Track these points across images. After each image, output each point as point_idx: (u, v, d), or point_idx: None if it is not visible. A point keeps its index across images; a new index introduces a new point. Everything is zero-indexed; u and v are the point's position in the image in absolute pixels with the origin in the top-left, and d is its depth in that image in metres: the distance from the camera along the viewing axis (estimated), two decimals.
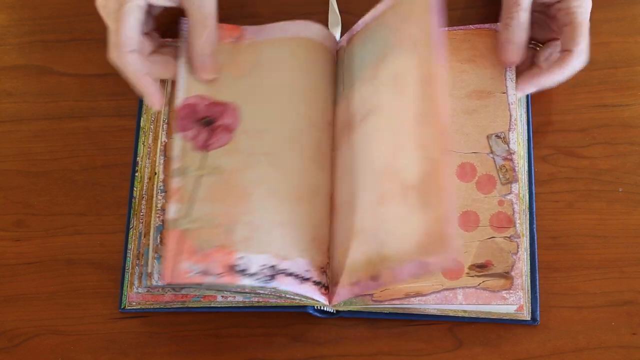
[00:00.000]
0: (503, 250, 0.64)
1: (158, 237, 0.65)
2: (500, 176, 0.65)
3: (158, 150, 0.68)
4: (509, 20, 0.66)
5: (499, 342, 0.65)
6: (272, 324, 0.67)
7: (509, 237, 0.64)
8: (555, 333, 0.65)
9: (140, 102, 0.72)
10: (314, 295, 0.63)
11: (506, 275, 0.63)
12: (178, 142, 0.66)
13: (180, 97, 0.67)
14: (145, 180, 0.69)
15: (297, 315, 0.66)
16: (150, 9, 0.67)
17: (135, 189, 0.69)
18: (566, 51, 0.65)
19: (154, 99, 0.66)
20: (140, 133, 0.71)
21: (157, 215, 0.66)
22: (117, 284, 0.68)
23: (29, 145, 0.73)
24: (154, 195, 0.67)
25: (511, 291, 0.62)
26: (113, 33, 0.64)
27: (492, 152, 0.66)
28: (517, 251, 0.63)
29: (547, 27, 0.68)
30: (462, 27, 0.70)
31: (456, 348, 0.65)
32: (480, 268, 0.63)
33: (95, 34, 0.76)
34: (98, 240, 0.70)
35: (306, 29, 0.69)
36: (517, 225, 0.64)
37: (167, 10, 0.69)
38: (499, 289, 0.62)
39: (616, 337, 0.64)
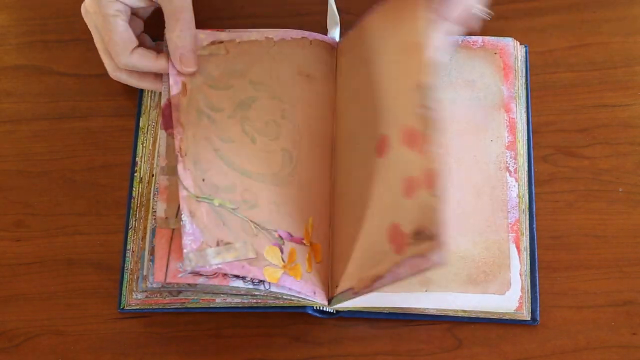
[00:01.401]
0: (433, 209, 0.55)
1: (153, 239, 0.65)
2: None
3: (156, 154, 0.68)
4: None
5: (499, 342, 0.65)
6: (272, 324, 0.67)
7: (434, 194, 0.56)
8: (555, 333, 0.65)
9: (139, 101, 0.72)
10: (307, 296, 0.63)
11: (431, 236, 0.54)
12: (163, 140, 0.66)
13: (165, 96, 0.68)
14: (145, 183, 0.69)
15: (297, 315, 0.66)
16: (136, 12, 0.69)
17: (134, 189, 0.69)
18: None
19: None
20: (140, 133, 0.71)
21: (153, 217, 0.66)
22: (117, 284, 0.68)
23: (29, 145, 0.73)
24: (151, 199, 0.67)
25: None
26: (111, 42, 0.66)
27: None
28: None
29: None
30: None
31: (456, 348, 0.65)
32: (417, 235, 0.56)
33: None
34: (98, 240, 0.70)
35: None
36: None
37: (156, 12, 0.69)
38: (425, 251, 0.54)
39: (616, 337, 0.64)
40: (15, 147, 0.73)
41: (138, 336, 0.67)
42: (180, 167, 0.64)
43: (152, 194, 0.67)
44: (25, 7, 0.78)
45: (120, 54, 0.66)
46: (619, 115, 0.70)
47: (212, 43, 0.69)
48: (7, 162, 0.73)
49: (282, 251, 0.64)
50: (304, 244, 0.65)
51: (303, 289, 0.63)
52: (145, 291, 0.65)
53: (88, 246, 0.70)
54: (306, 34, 0.70)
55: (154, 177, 0.68)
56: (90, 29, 0.69)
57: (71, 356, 0.67)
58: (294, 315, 0.66)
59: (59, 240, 0.70)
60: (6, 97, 0.75)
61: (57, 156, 0.73)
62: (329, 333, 0.66)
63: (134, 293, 0.66)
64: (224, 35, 0.69)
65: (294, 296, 0.63)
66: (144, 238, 0.67)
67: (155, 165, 0.68)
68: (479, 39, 0.71)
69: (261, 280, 0.62)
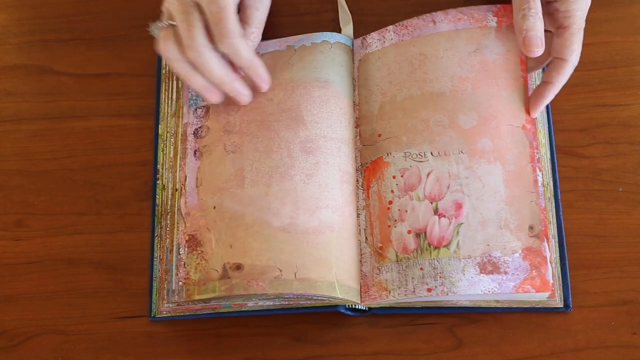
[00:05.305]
0: None
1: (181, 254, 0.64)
2: None
3: (178, 167, 0.68)
4: (526, 11, 0.64)
5: (499, 341, 0.65)
6: (272, 323, 0.67)
7: None
8: (555, 332, 0.65)
9: (157, 107, 0.72)
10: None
11: None
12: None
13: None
14: (169, 194, 0.68)
15: (297, 315, 0.66)
16: None
17: (157, 197, 0.69)
18: (560, 59, 0.64)
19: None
20: (159, 140, 0.71)
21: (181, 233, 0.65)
22: (117, 284, 0.68)
23: (29, 145, 0.73)
24: (175, 213, 0.67)
25: None
26: (216, 25, 0.62)
27: None
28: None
29: (546, 22, 0.66)
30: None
31: (456, 347, 0.65)
32: None
33: (95, 33, 0.76)
34: (98, 240, 0.70)
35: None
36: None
37: None
38: None
39: (616, 337, 0.64)
40: (15, 147, 0.73)
41: (138, 336, 0.67)
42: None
43: (176, 209, 0.67)
44: (25, 7, 0.78)
45: (225, 37, 0.63)
46: (619, 115, 0.70)
47: None
48: (8, 161, 0.73)
49: None
50: None
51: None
52: (176, 303, 0.65)
53: (88, 246, 0.70)
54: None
55: (177, 192, 0.67)
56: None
57: (71, 356, 0.67)
58: (294, 315, 0.66)
59: (59, 240, 0.70)
60: (6, 96, 0.75)
61: (57, 156, 0.73)
62: (329, 333, 0.66)
63: (164, 304, 0.66)
64: None
65: (325, 296, 0.62)
66: (171, 251, 0.66)
67: (177, 180, 0.68)
68: None
69: None
